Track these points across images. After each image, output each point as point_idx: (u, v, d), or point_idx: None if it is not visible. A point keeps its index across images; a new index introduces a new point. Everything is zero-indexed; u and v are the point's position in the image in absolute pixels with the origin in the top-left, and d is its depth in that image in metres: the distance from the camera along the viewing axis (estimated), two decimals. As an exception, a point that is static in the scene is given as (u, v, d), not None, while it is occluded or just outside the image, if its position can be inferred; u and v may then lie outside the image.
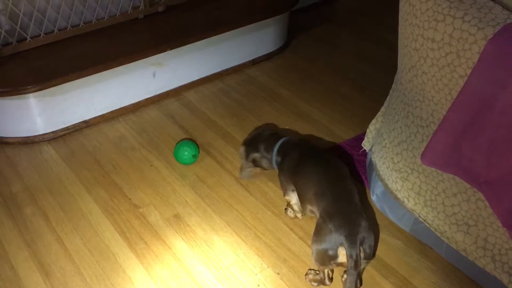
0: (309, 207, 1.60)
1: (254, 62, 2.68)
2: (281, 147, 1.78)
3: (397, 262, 1.66)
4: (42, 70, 2.08)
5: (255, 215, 1.82)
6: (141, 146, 2.13)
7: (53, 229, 1.75)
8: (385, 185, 1.73)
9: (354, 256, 1.41)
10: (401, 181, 1.64)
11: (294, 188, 1.69)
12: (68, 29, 2.22)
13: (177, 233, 1.75)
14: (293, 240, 1.73)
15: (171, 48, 2.30)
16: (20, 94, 2.04)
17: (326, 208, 1.50)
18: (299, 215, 1.78)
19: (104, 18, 2.30)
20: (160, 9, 2.41)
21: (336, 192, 1.55)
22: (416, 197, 1.60)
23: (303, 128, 2.24)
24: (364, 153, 2.00)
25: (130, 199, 1.88)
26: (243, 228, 1.77)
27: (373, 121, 1.87)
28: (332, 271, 1.59)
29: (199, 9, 2.53)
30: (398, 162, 1.63)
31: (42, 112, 2.13)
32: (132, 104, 2.35)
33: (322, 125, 2.27)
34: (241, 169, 1.93)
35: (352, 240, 1.41)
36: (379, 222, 1.80)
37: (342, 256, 1.43)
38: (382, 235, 1.75)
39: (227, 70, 2.61)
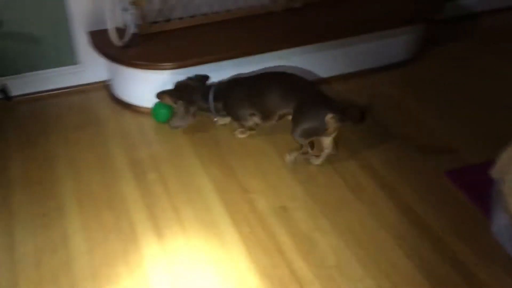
0: (278, 112, 2.04)
1: (381, 69, 2.62)
2: (216, 93, 2.09)
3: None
4: (180, 50, 2.24)
5: (362, 223, 1.79)
6: (258, 135, 2.19)
7: (170, 197, 1.87)
8: None
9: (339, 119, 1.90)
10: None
11: (252, 112, 2.07)
12: (209, 14, 2.35)
13: (282, 224, 1.78)
14: (398, 255, 1.67)
15: (301, 45, 2.33)
16: (158, 69, 2.21)
17: (301, 99, 1.96)
18: (253, 132, 2.15)
19: (243, 7, 2.39)
20: (298, 5, 2.45)
21: (298, 86, 2.03)
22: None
23: (424, 143, 2.15)
24: (488, 180, 1.86)
25: (241, 183, 1.95)
26: (348, 233, 1.75)
27: (509, 149, 1.73)
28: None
29: (335, 9, 2.54)
30: (532, 197, 1.50)
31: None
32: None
33: (446, 143, 2.16)
34: (176, 119, 2.13)
35: (334, 107, 1.91)
36: (495, 256, 1.67)
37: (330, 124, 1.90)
38: (497, 270, 1.62)
39: (350, 73, 2.59)
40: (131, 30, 2.18)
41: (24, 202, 1.82)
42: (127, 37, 2.16)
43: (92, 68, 2.41)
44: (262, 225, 1.77)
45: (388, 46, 2.59)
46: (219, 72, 2.26)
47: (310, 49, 2.39)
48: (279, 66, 2.35)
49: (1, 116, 2.25)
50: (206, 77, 2.18)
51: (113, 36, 2.11)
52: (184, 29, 2.35)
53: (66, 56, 2.35)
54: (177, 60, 2.19)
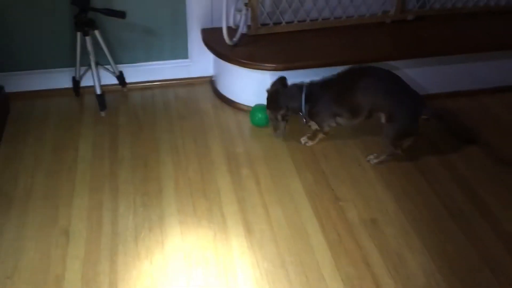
0: (367, 108, 1.97)
1: (493, 91, 2.47)
2: (308, 95, 2.02)
3: None
4: (285, 53, 2.28)
5: (458, 249, 1.70)
6: (354, 144, 2.17)
7: (261, 194, 1.92)
8: None
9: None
10: None
11: (339, 113, 2.02)
12: (318, 20, 2.37)
13: (371, 237, 1.75)
14: (494, 285, 1.57)
15: (408, 58, 2.27)
16: (262, 69, 2.27)
17: (393, 103, 1.92)
18: (325, 136, 2.15)
19: (353, 16, 2.39)
20: (410, 17, 2.39)
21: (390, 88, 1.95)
22: None
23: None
24: None
25: (333, 190, 1.94)
26: (439, 255, 1.67)
27: None
28: None
29: (449, 24, 2.44)
30: None
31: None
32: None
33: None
34: (274, 129, 2.11)
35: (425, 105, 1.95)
36: None
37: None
38: None
39: (457, 92, 2.47)
40: (242, 30, 2.26)
41: (129, 180, 1.96)
42: (237, 37, 2.25)
43: (200, 63, 2.54)
44: (350, 235, 1.76)
45: (502, 67, 2.43)
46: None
47: (418, 62, 2.32)
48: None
49: (116, 100, 2.45)
50: (284, 78, 2.14)
51: (225, 35, 2.21)
52: (291, 33, 2.39)
53: (180, 50, 2.50)
54: (281, 62, 2.23)
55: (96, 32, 2.20)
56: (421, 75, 2.39)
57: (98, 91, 2.27)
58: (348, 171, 2.04)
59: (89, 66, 2.24)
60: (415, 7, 2.43)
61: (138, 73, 2.52)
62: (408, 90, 1.96)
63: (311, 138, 2.16)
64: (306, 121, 2.13)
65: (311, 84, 2.07)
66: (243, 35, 2.30)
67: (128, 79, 2.50)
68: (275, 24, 2.36)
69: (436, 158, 2.11)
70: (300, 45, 2.32)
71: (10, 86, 2.37)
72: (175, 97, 2.48)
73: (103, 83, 2.36)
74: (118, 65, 2.43)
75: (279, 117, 2.07)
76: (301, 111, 2.07)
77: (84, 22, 2.14)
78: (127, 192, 1.91)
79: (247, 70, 2.29)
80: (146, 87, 2.55)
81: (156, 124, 2.28)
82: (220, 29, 2.23)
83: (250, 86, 2.37)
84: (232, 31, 2.26)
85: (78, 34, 2.19)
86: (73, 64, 2.33)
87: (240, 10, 2.23)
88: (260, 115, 2.25)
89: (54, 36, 2.31)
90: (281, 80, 2.11)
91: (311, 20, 2.38)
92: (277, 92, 2.09)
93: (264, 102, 2.14)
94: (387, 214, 1.84)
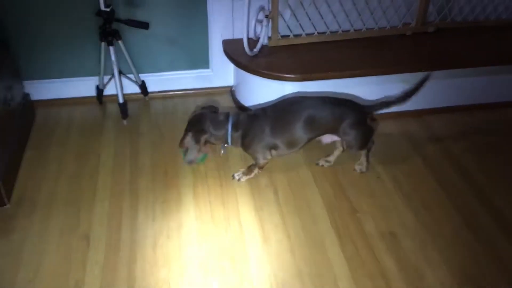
0: (307, 138, 1.94)
1: (513, 104, 2.45)
2: (235, 122, 1.92)
3: None
4: (305, 64, 2.30)
5: (478, 264, 1.67)
6: (372, 155, 2.16)
7: (279, 204, 1.93)
8: None
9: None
10: None
11: (275, 144, 1.94)
12: (339, 32, 2.38)
13: (389, 250, 1.73)
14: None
15: (426, 70, 2.26)
16: (282, 79, 2.28)
17: (350, 120, 1.90)
18: (260, 171, 2.04)
19: (373, 28, 2.39)
20: (431, 29, 2.39)
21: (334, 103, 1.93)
22: None
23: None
24: None
25: (351, 201, 1.94)
26: (460, 272, 1.65)
27: None
28: None
29: (470, 37, 2.42)
30: None
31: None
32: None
33: None
34: (188, 152, 1.94)
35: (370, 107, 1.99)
36: None
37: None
38: None
39: (478, 105, 2.45)
40: (262, 41, 2.29)
41: (149, 188, 1.99)
42: (257, 48, 2.28)
43: (221, 73, 2.57)
44: (368, 248, 1.74)
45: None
46: (340, 88, 2.28)
47: (438, 74, 2.30)
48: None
49: (138, 109, 2.49)
50: (216, 108, 2.03)
51: (246, 46, 2.23)
52: (311, 44, 2.41)
53: (201, 60, 2.54)
54: (300, 72, 2.25)
55: (120, 42, 2.26)
56: (438, 87, 2.37)
57: (121, 100, 2.32)
58: (367, 183, 2.03)
59: (113, 75, 2.30)
60: (436, 19, 2.42)
61: (160, 82, 2.57)
62: (344, 103, 1.95)
63: (246, 173, 2.05)
64: (224, 151, 2.06)
65: (239, 114, 1.97)
66: (263, 46, 2.32)
67: (150, 88, 2.55)
68: (295, 36, 2.38)
69: (456, 171, 2.08)
70: (320, 57, 2.33)
71: (36, 94, 2.44)
72: (195, 106, 2.52)
73: (125, 92, 2.41)
74: (140, 75, 2.48)
75: (202, 140, 1.91)
76: (226, 140, 1.95)
77: (108, 33, 2.19)
78: (147, 199, 1.94)
79: (267, 80, 2.31)
80: (167, 96, 2.59)
81: (176, 133, 2.30)
82: (241, 40, 2.26)
83: (269, 96, 2.39)
84: (252, 42, 2.29)
85: (102, 44, 2.25)
86: (97, 73, 2.39)
87: (261, 22, 2.25)
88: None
89: (79, 46, 2.38)
90: (211, 108, 2.02)
91: (331, 32, 2.39)
92: (203, 115, 1.95)
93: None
94: (406, 227, 1.82)
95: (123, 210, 1.89)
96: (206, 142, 1.94)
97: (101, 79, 2.40)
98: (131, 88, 2.50)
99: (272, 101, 2.20)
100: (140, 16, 2.31)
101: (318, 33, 2.38)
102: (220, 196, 1.96)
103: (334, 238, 1.78)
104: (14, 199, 1.92)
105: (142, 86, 2.50)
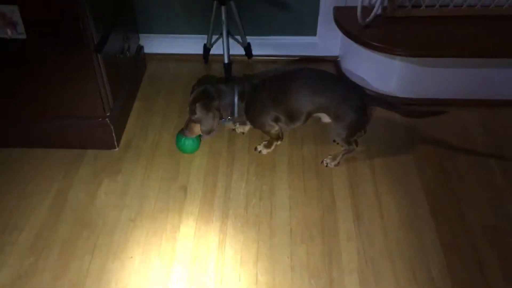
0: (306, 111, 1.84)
1: None
2: (241, 93, 1.84)
3: None
4: (419, 39, 2.14)
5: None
6: (482, 143, 1.99)
7: (375, 182, 1.86)
8: None
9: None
10: None
11: (277, 116, 1.86)
12: (463, 6, 2.19)
13: (491, 245, 1.61)
14: None
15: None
16: (391, 53, 2.16)
17: (334, 101, 1.78)
18: (279, 142, 1.99)
19: (503, 5, 2.16)
20: None
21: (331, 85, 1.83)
22: None
23: None
24: None
25: (454, 189, 1.82)
26: None
27: None
28: None
29: None
30: None
31: (402, 76, 2.24)
32: (483, 99, 2.23)
33: None
34: (202, 125, 1.83)
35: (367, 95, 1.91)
36: None
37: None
38: None
39: None
40: (377, 11, 2.17)
41: (245, 149, 2.02)
42: (370, 17, 2.17)
43: (327, 42, 2.50)
44: (468, 239, 1.64)
45: None
46: (449, 70, 2.11)
47: None
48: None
49: (241, 71, 2.51)
50: (214, 77, 1.94)
51: (359, 14, 2.14)
52: (429, 18, 2.23)
53: (309, 27, 2.49)
54: (412, 48, 2.10)
55: (232, 3, 2.27)
56: None
57: (226, 60, 2.35)
58: (476, 173, 1.89)
59: (221, 35, 2.33)
60: None
61: (264, 46, 2.56)
62: (347, 84, 1.84)
63: (267, 146, 2.00)
64: (234, 126, 2.02)
65: (243, 84, 1.88)
66: (377, 16, 2.20)
67: (254, 51, 2.55)
68: (413, 7, 2.22)
69: None
70: (437, 33, 2.16)
71: (148, 47, 2.55)
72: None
73: (231, 53, 2.44)
74: (247, 37, 2.49)
75: (213, 106, 1.81)
76: (233, 111, 1.87)
77: (222, -8, 2.21)
78: (242, 160, 1.98)
79: (376, 54, 2.21)
80: (270, 61, 2.58)
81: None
82: (354, 7, 2.16)
83: (376, 70, 2.29)
84: (366, 11, 2.18)
85: (214, 3, 2.27)
86: (205, 32, 2.44)
87: (377, -11, 2.13)
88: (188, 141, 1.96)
89: (193, 3, 2.43)
90: (209, 78, 1.95)
91: (454, 6, 2.20)
92: (206, 88, 1.85)
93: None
94: (513, 224, 1.68)
95: (219, 167, 1.94)
96: (217, 110, 1.83)
97: (209, 38, 2.45)
98: (236, 49, 2.52)
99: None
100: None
101: (439, 6, 2.20)
102: (314, 167, 1.94)
103: (432, 223, 1.70)
104: (123, 144, 2.06)
105: (247, 48, 2.51)
